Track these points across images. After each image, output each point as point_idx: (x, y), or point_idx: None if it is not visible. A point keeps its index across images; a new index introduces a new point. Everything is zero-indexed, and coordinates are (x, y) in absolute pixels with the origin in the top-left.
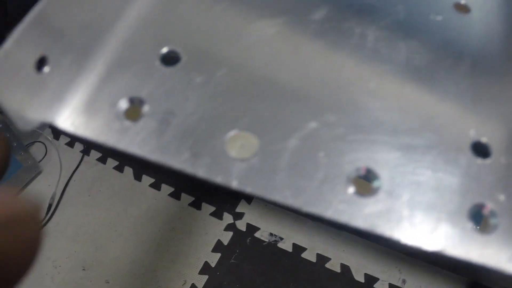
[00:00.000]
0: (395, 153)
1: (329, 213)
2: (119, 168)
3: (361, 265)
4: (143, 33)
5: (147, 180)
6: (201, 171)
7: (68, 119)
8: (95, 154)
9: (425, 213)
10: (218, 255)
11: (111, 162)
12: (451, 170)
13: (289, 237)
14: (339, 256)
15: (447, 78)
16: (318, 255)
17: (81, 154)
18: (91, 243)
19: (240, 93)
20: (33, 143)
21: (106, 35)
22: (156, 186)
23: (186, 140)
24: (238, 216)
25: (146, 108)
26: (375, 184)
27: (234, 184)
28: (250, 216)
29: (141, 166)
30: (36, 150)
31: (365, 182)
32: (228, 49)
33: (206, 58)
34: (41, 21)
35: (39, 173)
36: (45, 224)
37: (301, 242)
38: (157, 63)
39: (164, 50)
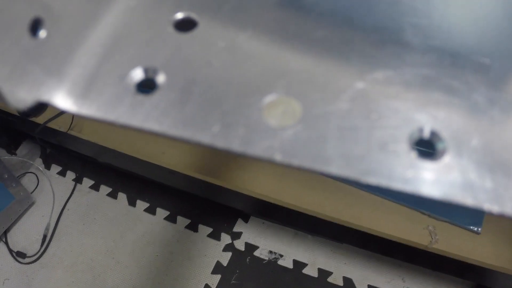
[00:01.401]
0: (456, 111)
1: (395, 183)
2: (113, 195)
3: (363, 277)
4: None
5: (141, 205)
6: (236, 145)
7: (69, 97)
8: (87, 182)
9: (498, 174)
10: (218, 276)
11: (105, 189)
12: None
13: (289, 254)
14: (341, 269)
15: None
16: (320, 270)
17: (74, 183)
18: (89, 272)
19: (273, 54)
20: (24, 174)
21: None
22: (151, 210)
23: (214, 110)
24: (236, 235)
25: (161, 79)
26: (440, 146)
27: (278, 157)
28: (248, 235)
29: (135, 191)
30: (28, 181)
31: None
32: (250, 11)
33: (226, 21)
34: None
35: (32, 204)
36: (40, 256)
37: (302, 258)
38: (170, 29)
39: (179, 15)
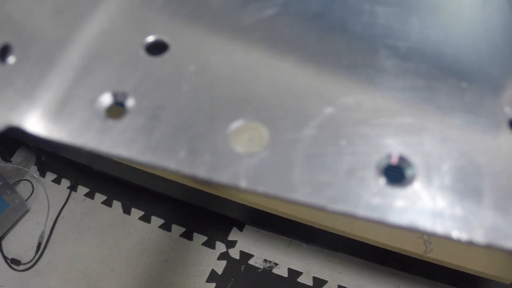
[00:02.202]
0: (427, 136)
1: (361, 210)
2: (108, 203)
3: (358, 286)
4: (126, 22)
5: (136, 213)
6: (201, 171)
7: (39, 121)
8: (82, 190)
9: (468, 201)
10: (213, 285)
11: (99, 197)
12: (492, 152)
13: (284, 262)
14: (336, 278)
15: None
16: (315, 279)
17: (68, 190)
18: (84, 280)
19: (242, 79)
20: (19, 181)
21: (83, 22)
22: (146, 218)
23: (181, 136)
24: (231, 244)
25: (131, 103)
26: (409, 172)
27: (243, 184)
28: (243, 243)
29: (130, 199)
30: (23, 189)
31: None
32: (222, 33)
33: (198, 44)
34: None
35: (27, 211)
36: (35, 263)
37: (296, 267)
38: (142, 53)
39: (150, 38)
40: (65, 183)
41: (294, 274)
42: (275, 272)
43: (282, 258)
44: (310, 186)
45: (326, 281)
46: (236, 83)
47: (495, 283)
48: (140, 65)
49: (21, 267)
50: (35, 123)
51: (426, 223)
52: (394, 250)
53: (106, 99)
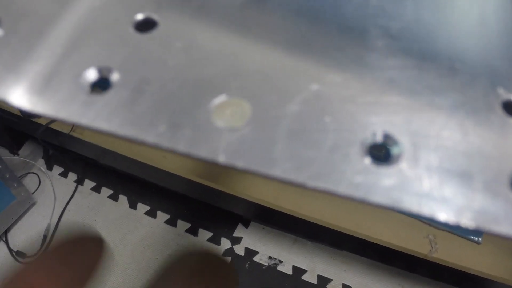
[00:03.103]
0: (415, 115)
1: (342, 188)
2: (114, 197)
3: (363, 285)
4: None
5: (142, 208)
6: (181, 145)
7: (24, 94)
8: (89, 184)
9: (457, 183)
10: None
11: (106, 191)
12: (483, 132)
13: (289, 260)
14: (340, 276)
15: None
16: (319, 277)
17: (75, 184)
18: None
19: (229, 55)
20: (26, 174)
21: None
22: (151, 213)
23: (162, 110)
24: (236, 240)
25: (115, 77)
26: (395, 150)
27: (221, 158)
28: (248, 240)
29: (136, 194)
30: (30, 182)
31: None
32: (212, 12)
33: (186, 22)
34: None
35: (33, 204)
36: None
37: (301, 264)
38: (131, 30)
39: (139, 16)
40: (72, 176)
41: (298, 271)
42: (279, 270)
43: (287, 256)
44: (291, 162)
45: (331, 280)
46: (222, 60)
47: (500, 285)
48: (128, 42)
49: (26, 260)
50: (20, 97)
51: (412, 204)
52: (399, 250)
53: (91, 74)
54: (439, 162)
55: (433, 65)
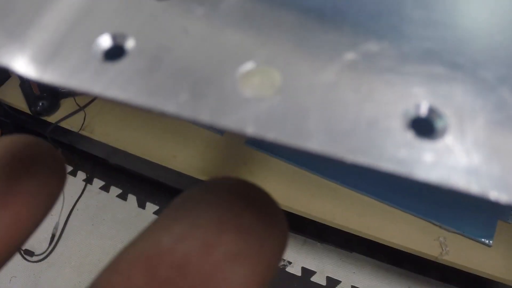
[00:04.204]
0: (459, 87)
1: (385, 163)
2: (123, 196)
3: (372, 287)
4: None
5: (151, 207)
6: (204, 115)
7: (31, 62)
8: (98, 183)
9: (507, 159)
10: None
11: (115, 190)
12: None
13: (298, 261)
14: (349, 278)
15: None
16: (328, 278)
17: (84, 183)
18: (96, 272)
19: (255, 22)
20: None
21: None
22: (160, 213)
23: (183, 79)
24: None
25: (131, 44)
26: (440, 124)
27: (250, 129)
28: None
29: (145, 194)
30: None
31: None
32: None
33: None
34: None
35: None
36: (48, 255)
37: (310, 266)
38: None
39: None
40: (81, 175)
41: (307, 273)
42: (288, 271)
43: (296, 257)
44: (327, 135)
45: (340, 281)
46: (248, 27)
47: None
48: (145, 9)
49: (34, 258)
50: (26, 65)
51: (460, 181)
52: (410, 252)
53: (105, 41)
54: (488, 136)
55: (474, 38)
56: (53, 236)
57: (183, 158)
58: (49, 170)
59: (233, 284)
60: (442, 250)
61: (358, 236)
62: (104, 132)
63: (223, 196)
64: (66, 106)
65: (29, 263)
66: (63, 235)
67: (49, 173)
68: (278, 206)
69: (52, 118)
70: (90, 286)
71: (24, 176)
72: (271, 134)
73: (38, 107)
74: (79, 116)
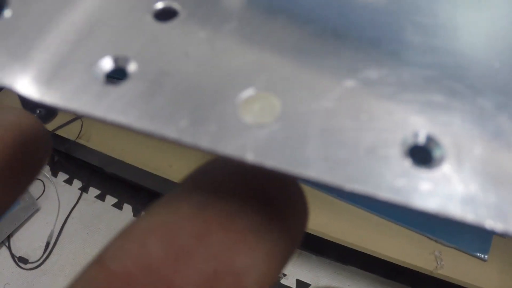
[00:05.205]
0: (457, 115)
1: (383, 192)
2: (118, 205)
3: None
4: None
5: None
6: (204, 141)
7: (33, 82)
8: (93, 192)
9: (504, 188)
10: None
11: (110, 199)
12: None
13: (293, 273)
14: None
15: None
16: None
17: (80, 192)
18: None
19: (256, 46)
20: None
21: None
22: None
23: (184, 104)
24: None
25: (132, 68)
26: (437, 153)
27: (250, 157)
28: None
29: (140, 203)
30: (34, 187)
31: None
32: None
33: (210, 12)
34: None
35: (37, 210)
36: (42, 263)
37: (305, 278)
38: (149, 18)
39: (159, 5)
40: (77, 184)
41: (302, 285)
42: (283, 283)
43: (290, 269)
44: (326, 163)
45: None
46: (249, 52)
47: None
48: (146, 31)
49: (28, 266)
50: (28, 85)
51: (456, 210)
52: (405, 266)
53: (107, 64)
54: (484, 166)
55: (473, 64)
56: (47, 244)
57: (179, 168)
58: (35, 138)
59: (257, 254)
60: (438, 264)
61: (354, 249)
62: (100, 141)
63: (247, 166)
64: (63, 114)
65: (23, 270)
66: (58, 243)
67: (36, 142)
68: (298, 182)
69: (49, 126)
70: (100, 252)
71: (12, 145)
72: (270, 162)
73: (36, 115)
74: (76, 124)
